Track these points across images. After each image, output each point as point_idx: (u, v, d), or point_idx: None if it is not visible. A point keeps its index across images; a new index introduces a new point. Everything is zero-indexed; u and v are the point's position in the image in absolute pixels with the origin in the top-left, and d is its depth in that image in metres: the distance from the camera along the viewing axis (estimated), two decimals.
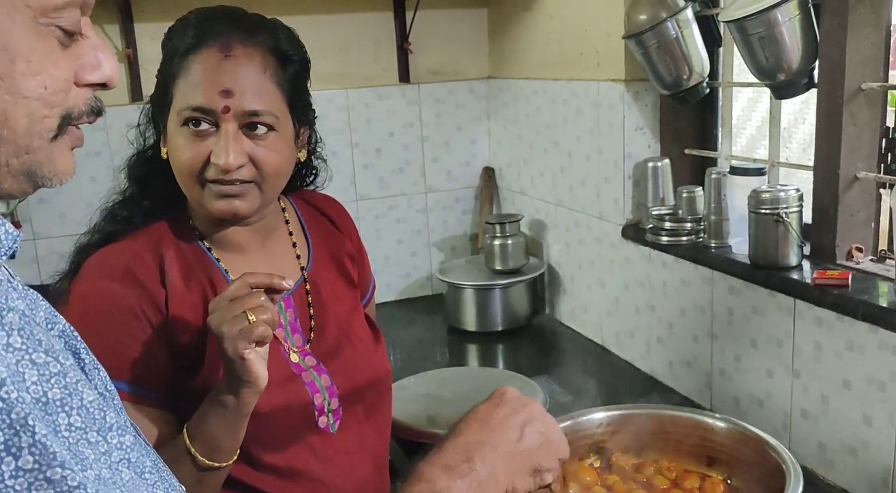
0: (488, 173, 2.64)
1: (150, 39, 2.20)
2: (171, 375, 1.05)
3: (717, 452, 1.23)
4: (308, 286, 1.18)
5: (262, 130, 1.04)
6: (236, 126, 1.02)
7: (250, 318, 0.90)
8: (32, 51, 0.56)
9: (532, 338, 2.27)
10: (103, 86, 0.62)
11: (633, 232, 1.93)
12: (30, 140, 0.57)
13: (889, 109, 1.50)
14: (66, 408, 0.51)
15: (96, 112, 0.62)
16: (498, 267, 2.30)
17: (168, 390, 1.04)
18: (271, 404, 1.04)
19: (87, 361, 0.60)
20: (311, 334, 1.16)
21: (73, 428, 0.50)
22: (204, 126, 1.02)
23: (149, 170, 1.12)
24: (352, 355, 1.17)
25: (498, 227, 2.29)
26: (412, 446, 1.53)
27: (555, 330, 2.30)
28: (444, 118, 2.59)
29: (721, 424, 1.24)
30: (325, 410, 1.12)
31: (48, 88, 0.57)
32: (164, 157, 1.08)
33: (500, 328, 2.27)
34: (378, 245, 2.57)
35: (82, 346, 0.60)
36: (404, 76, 2.52)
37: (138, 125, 1.14)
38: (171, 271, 1.06)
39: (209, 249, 1.11)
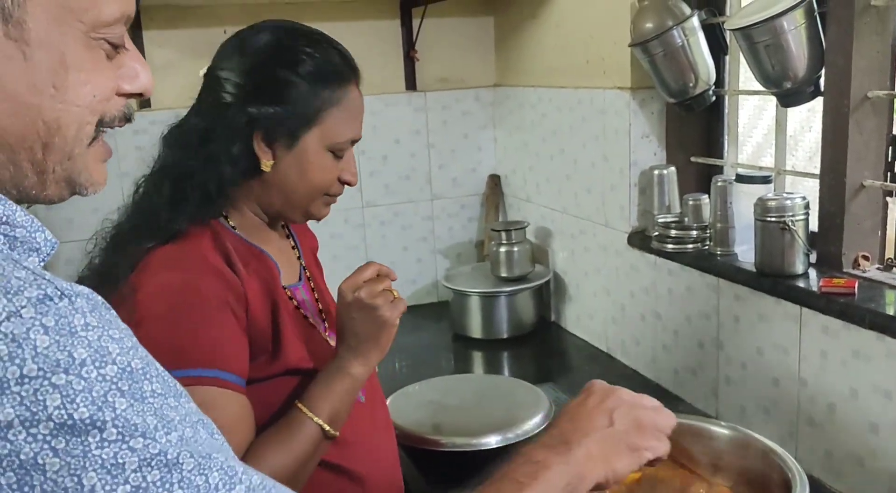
0: (494, 180, 2.65)
1: (158, 47, 2.21)
2: (247, 361, 1.08)
3: (722, 460, 1.23)
4: (308, 274, 1.27)
5: None
6: None
7: (395, 294, 1.12)
8: (84, 62, 0.60)
9: (537, 345, 2.27)
10: (139, 95, 0.67)
11: (639, 240, 1.93)
12: (73, 147, 0.62)
13: (895, 117, 1.50)
14: (148, 376, 0.55)
15: (127, 118, 0.66)
16: (503, 274, 2.30)
17: (245, 376, 1.07)
18: None
19: None
20: (323, 316, 1.25)
21: (156, 394, 0.55)
22: (343, 151, 1.16)
23: (234, 179, 1.12)
24: None
25: (504, 234, 2.30)
26: (417, 453, 1.53)
27: (560, 337, 2.30)
28: (450, 125, 2.59)
29: (727, 432, 1.24)
30: None
31: (96, 97, 0.62)
32: (267, 169, 1.12)
33: (505, 336, 2.27)
34: (384, 252, 2.57)
35: None
36: (411, 84, 2.53)
37: (216, 133, 1.11)
38: (236, 262, 1.10)
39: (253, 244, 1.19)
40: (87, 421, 0.51)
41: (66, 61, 0.59)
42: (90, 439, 0.50)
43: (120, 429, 0.51)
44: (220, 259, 1.08)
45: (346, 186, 1.20)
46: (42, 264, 0.60)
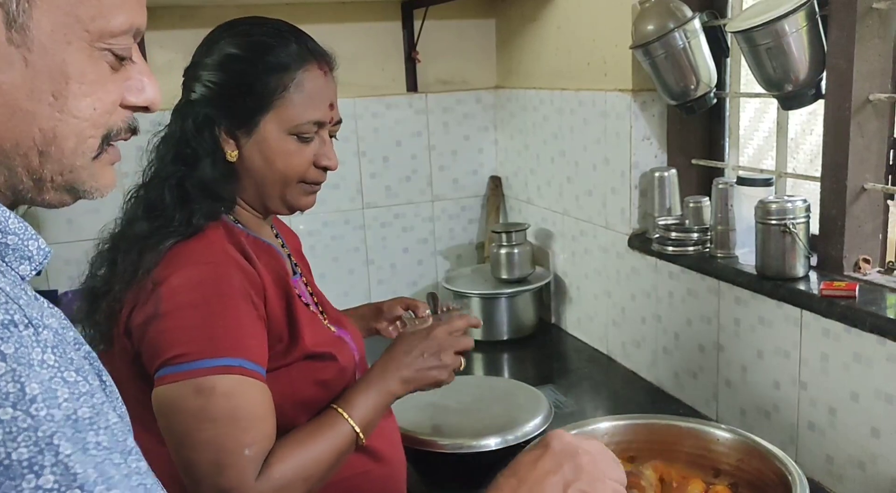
0: (495, 182, 2.65)
1: (160, 48, 2.21)
2: (266, 351, 1.11)
3: (723, 463, 1.23)
4: (299, 269, 1.31)
5: (335, 134, 1.23)
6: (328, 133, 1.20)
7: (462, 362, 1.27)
8: (86, 73, 0.59)
9: (538, 347, 2.27)
10: (145, 109, 0.65)
11: (640, 242, 1.93)
12: (74, 159, 0.60)
13: None
14: (95, 427, 0.52)
15: (132, 130, 0.65)
16: (504, 276, 2.30)
17: (265, 365, 1.10)
18: (347, 363, 1.21)
19: (107, 383, 0.61)
20: (320, 308, 1.28)
21: (100, 447, 0.51)
22: (310, 135, 1.16)
23: (215, 171, 1.15)
24: (348, 322, 1.33)
25: (504, 236, 2.29)
26: (417, 454, 1.53)
27: (561, 340, 2.30)
28: (451, 127, 2.59)
29: (727, 435, 1.24)
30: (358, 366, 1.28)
31: (97, 110, 0.60)
32: (233, 160, 1.15)
33: (505, 337, 2.27)
34: (384, 253, 2.57)
35: (104, 369, 0.61)
36: (412, 85, 2.52)
37: (191, 130, 1.15)
38: (251, 255, 1.13)
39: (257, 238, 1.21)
40: (25, 463, 0.47)
41: (68, 71, 0.58)
42: (24, 484, 0.47)
43: (58, 477, 0.48)
44: (237, 253, 1.11)
45: (326, 171, 1.20)
46: (34, 272, 0.59)
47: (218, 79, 1.14)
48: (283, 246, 1.32)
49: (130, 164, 1.22)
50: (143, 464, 0.55)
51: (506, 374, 2.15)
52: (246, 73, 1.13)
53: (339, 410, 1.12)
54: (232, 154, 1.15)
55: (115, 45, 0.60)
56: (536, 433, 1.51)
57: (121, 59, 0.61)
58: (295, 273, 1.28)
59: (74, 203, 0.65)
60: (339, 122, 1.22)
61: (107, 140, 0.62)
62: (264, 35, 1.15)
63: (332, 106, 1.19)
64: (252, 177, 1.17)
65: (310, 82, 1.15)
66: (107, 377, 0.61)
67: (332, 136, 1.22)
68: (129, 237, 1.11)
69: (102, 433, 0.52)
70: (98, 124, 0.61)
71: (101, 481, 0.50)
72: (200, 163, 1.13)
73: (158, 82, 0.66)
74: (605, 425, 1.28)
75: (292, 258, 1.32)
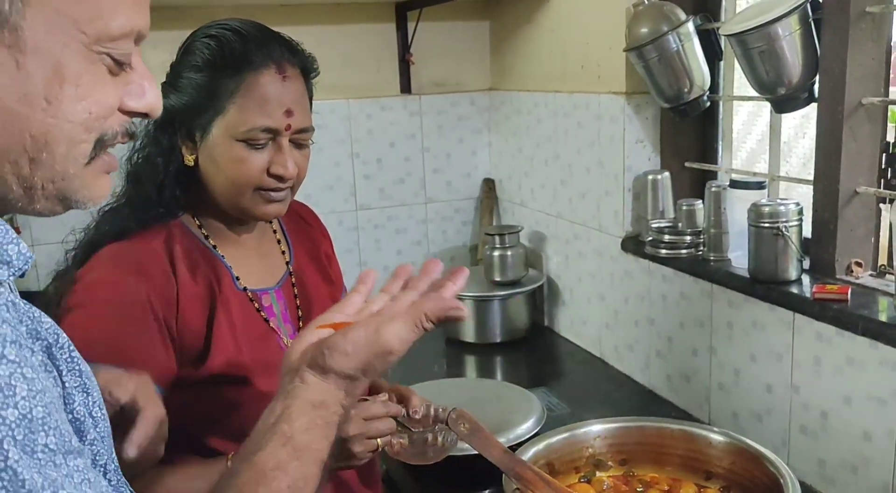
0: (489, 185, 2.65)
1: (153, 48, 2.20)
2: (175, 369, 1.09)
3: (715, 466, 1.23)
4: (293, 280, 1.27)
5: (304, 142, 1.15)
6: (288, 140, 1.12)
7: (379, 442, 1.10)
8: (82, 76, 0.57)
9: (530, 350, 2.26)
10: (144, 115, 0.64)
11: (633, 245, 1.93)
12: (66, 166, 0.58)
13: (889, 124, 1.50)
14: (46, 428, 0.51)
15: (129, 134, 0.63)
16: (497, 278, 2.30)
17: (168, 385, 1.07)
18: (270, 389, 1.11)
19: (68, 380, 0.59)
20: (301, 324, 1.24)
21: (47, 449, 0.50)
22: (262, 142, 1.11)
23: (167, 175, 1.14)
24: None
25: (498, 238, 2.29)
26: None
27: (553, 342, 2.30)
28: (445, 129, 2.59)
29: (720, 438, 1.24)
30: None
31: (92, 114, 0.58)
32: (190, 163, 1.13)
33: (498, 340, 2.26)
34: (377, 255, 2.56)
35: (67, 365, 0.59)
36: (406, 87, 2.52)
37: (150, 130, 1.16)
38: (180, 265, 1.12)
39: (214, 246, 1.19)
40: None
41: (63, 74, 0.56)
42: None
43: (6, 482, 0.47)
44: (161, 261, 1.10)
45: (283, 180, 1.12)
46: (13, 277, 0.57)
47: (178, 82, 1.13)
48: (283, 252, 1.28)
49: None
50: (81, 461, 0.54)
51: (498, 376, 2.15)
52: (191, 77, 1.11)
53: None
54: (189, 158, 1.13)
55: (114, 49, 0.58)
56: (529, 436, 1.51)
57: (120, 65, 0.60)
58: (278, 283, 1.24)
59: (65, 212, 0.62)
60: (306, 130, 1.14)
61: (100, 145, 0.60)
62: (225, 38, 1.11)
63: (289, 112, 1.10)
64: (206, 182, 1.14)
65: (262, 87, 1.09)
66: (73, 375, 0.60)
67: (300, 144, 1.14)
68: (86, 234, 1.14)
69: (52, 434, 0.51)
70: (91, 128, 0.58)
71: (47, 485, 0.49)
72: (155, 166, 1.13)
73: (158, 88, 0.66)
74: (598, 427, 1.28)
75: (291, 266, 1.27)
